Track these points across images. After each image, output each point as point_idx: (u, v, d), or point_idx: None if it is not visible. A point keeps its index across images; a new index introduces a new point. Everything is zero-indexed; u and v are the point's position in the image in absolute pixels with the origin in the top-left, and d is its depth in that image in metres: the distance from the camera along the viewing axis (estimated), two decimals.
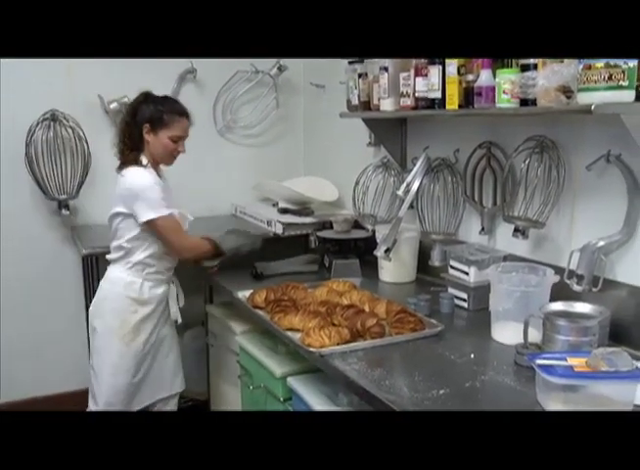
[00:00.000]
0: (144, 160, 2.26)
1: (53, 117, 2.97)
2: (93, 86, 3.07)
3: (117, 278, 2.31)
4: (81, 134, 3.02)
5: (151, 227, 2.24)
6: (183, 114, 2.29)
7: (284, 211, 3.07)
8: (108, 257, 2.37)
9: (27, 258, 3.11)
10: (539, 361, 1.43)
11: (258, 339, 2.38)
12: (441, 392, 1.53)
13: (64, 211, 3.03)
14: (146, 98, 2.29)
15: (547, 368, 1.40)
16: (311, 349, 1.82)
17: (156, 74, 3.10)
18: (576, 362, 1.41)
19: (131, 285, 2.29)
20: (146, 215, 2.19)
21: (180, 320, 2.48)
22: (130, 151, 2.27)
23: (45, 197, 3.00)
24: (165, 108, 2.26)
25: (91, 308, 2.38)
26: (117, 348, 2.29)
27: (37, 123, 2.95)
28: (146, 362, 2.36)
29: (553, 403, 1.41)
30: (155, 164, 2.31)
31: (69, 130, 3.01)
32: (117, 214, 2.26)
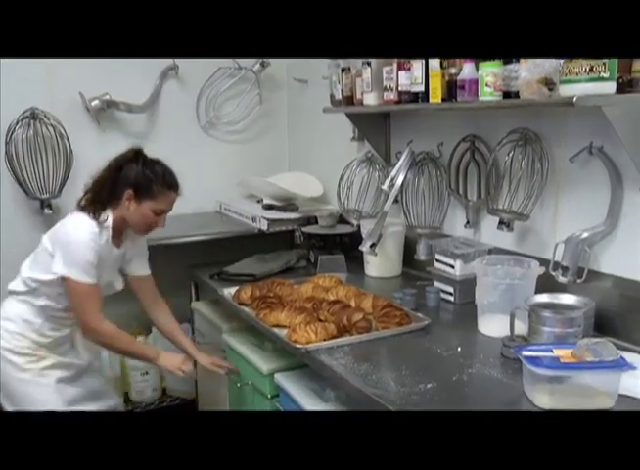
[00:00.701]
0: (108, 218, 2.03)
1: (33, 116, 2.93)
2: (74, 84, 3.03)
3: (14, 315, 2.08)
4: (62, 132, 2.97)
5: (62, 284, 2.00)
6: (173, 187, 2.08)
7: (269, 207, 3.06)
8: (10, 286, 2.12)
9: (9, 259, 3.06)
10: (525, 353, 1.44)
11: (245, 336, 2.37)
12: (428, 385, 1.54)
13: (46, 211, 2.98)
14: (136, 157, 2.05)
15: (533, 360, 1.40)
16: (298, 345, 1.81)
17: (138, 71, 3.09)
18: (562, 353, 1.42)
19: (29, 323, 2.06)
20: (60, 269, 1.97)
21: None
22: (96, 202, 2.04)
23: (27, 196, 2.96)
24: (157, 177, 2.03)
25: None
26: (36, 381, 2.06)
27: (17, 122, 2.90)
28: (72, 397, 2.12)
29: (540, 395, 1.41)
30: (120, 225, 2.08)
31: (50, 128, 2.96)
32: (46, 247, 2.05)
